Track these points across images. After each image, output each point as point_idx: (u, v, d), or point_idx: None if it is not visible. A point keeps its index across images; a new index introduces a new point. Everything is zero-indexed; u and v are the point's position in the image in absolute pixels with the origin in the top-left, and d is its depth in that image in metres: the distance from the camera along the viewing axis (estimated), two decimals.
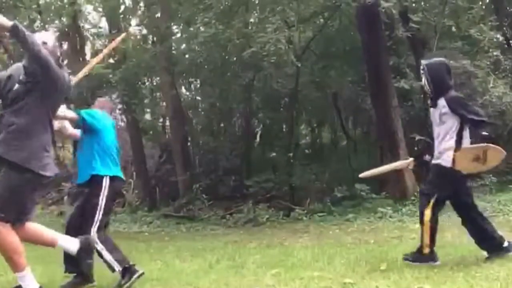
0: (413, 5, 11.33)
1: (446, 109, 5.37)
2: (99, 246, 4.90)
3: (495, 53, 12.32)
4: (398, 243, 7.88)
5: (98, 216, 4.97)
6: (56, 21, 20.18)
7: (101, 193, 4.99)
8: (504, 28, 14.81)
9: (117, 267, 4.88)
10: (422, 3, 12.67)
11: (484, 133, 5.33)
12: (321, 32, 14.39)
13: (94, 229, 4.96)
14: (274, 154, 14.58)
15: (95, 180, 5.01)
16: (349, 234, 9.20)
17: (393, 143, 11.26)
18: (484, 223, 5.57)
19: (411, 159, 5.92)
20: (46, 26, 20.05)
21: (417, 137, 12.09)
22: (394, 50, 13.49)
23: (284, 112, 15.99)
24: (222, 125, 16.71)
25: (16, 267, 4.34)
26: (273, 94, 15.37)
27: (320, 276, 5.23)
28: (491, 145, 5.26)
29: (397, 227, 9.51)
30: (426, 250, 5.38)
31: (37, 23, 19.95)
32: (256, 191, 13.39)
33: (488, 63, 12.32)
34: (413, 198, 10.91)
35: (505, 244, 5.45)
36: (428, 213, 5.35)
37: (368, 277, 5.04)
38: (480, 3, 14.57)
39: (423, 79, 5.61)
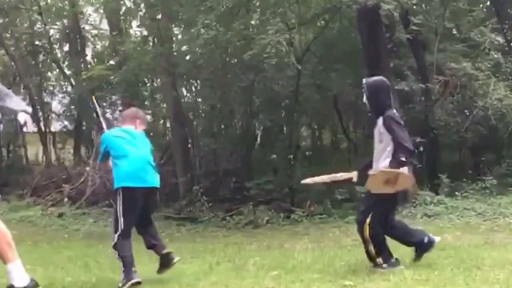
0: (414, 7, 11.31)
1: (383, 129, 5.47)
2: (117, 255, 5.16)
3: (495, 56, 12.34)
4: (398, 245, 7.86)
5: (120, 224, 5.15)
6: (57, 23, 20.21)
7: (118, 204, 5.21)
8: (505, 31, 14.82)
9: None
10: (423, 5, 12.66)
11: (402, 158, 5.35)
12: (321, 34, 14.39)
13: (116, 236, 5.19)
14: (274, 156, 14.57)
15: (114, 193, 5.37)
16: (349, 236, 9.18)
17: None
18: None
19: (355, 172, 5.82)
20: (47, 27, 20.09)
21: (418, 139, 12.09)
22: (395, 53, 13.49)
23: (284, 114, 15.99)
24: (222, 126, 16.70)
25: None
26: (273, 96, 15.37)
27: (320, 278, 5.23)
28: (403, 171, 5.34)
29: None
30: (378, 261, 5.39)
31: (38, 24, 19.99)
32: (256, 193, 13.38)
33: (489, 65, 12.33)
34: (413, 200, 10.90)
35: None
36: (366, 228, 5.37)
37: (368, 279, 5.04)
38: (481, 5, 14.57)
39: (364, 97, 5.64)
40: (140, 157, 5.29)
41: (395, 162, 5.36)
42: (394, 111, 5.51)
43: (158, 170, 5.53)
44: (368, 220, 5.38)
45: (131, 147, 5.30)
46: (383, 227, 5.43)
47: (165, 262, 5.43)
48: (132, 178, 5.18)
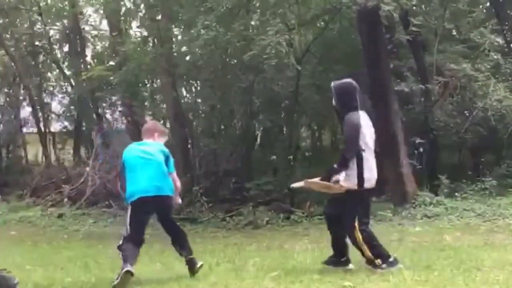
0: (414, 8, 11.32)
1: None
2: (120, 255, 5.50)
3: (495, 57, 12.34)
4: (398, 246, 7.87)
5: (127, 230, 5.59)
6: (57, 23, 20.20)
7: (127, 214, 5.67)
8: (505, 32, 14.82)
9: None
10: (423, 7, 12.66)
11: (335, 166, 5.51)
12: (321, 35, 14.39)
13: (122, 239, 5.61)
14: (274, 156, 14.57)
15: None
16: None
17: (393, 146, 11.24)
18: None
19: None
20: (47, 28, 20.09)
21: (418, 140, 12.10)
22: (395, 53, 13.49)
23: (284, 115, 15.99)
24: (222, 127, 16.69)
25: None
26: (273, 96, 15.36)
27: (320, 279, 5.24)
28: (332, 184, 5.48)
29: (396, 230, 9.51)
30: (377, 262, 5.43)
31: (38, 25, 19.99)
32: (256, 194, 13.38)
33: (489, 66, 12.34)
34: (413, 201, 10.90)
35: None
36: (358, 235, 5.44)
37: (367, 280, 5.04)
38: (481, 6, 14.57)
39: (333, 99, 5.75)
40: (145, 171, 5.57)
41: (331, 169, 5.54)
42: (360, 113, 5.52)
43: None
44: (356, 226, 5.45)
45: (139, 163, 5.63)
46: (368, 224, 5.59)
47: (190, 266, 5.68)
48: (136, 192, 5.54)
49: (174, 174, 5.83)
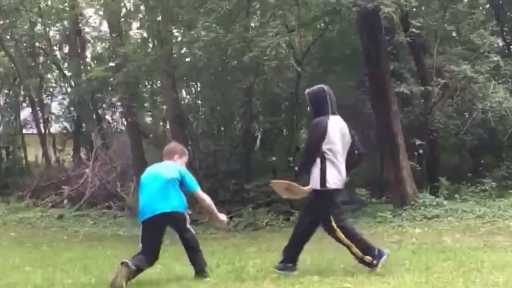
0: (414, 10, 11.33)
1: None
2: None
3: (495, 58, 12.35)
4: (398, 247, 7.88)
5: (140, 246, 5.68)
6: (57, 24, 20.20)
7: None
8: (505, 34, 14.85)
9: None
10: (423, 8, 12.67)
11: (296, 169, 5.93)
12: (321, 37, 14.40)
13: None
14: (274, 158, 14.56)
15: None
16: None
17: (393, 148, 11.25)
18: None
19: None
20: (47, 29, 20.09)
21: (417, 142, 12.11)
22: (395, 55, 13.51)
23: (284, 116, 15.99)
24: (222, 128, 16.69)
25: None
26: (273, 98, 15.36)
27: (320, 280, 5.24)
28: (293, 183, 5.83)
29: (396, 232, 9.52)
30: (367, 259, 5.51)
31: (38, 26, 19.99)
32: (256, 195, 13.36)
33: (489, 68, 12.35)
34: (413, 203, 10.90)
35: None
36: (340, 234, 5.58)
37: (367, 282, 5.04)
38: (481, 8, 14.59)
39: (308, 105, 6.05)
40: (150, 191, 5.72)
41: (294, 172, 5.92)
42: (330, 118, 5.70)
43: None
44: (334, 225, 5.58)
45: (147, 183, 5.81)
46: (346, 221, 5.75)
47: (197, 275, 5.71)
48: (143, 213, 5.71)
49: (198, 192, 5.94)
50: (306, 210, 5.92)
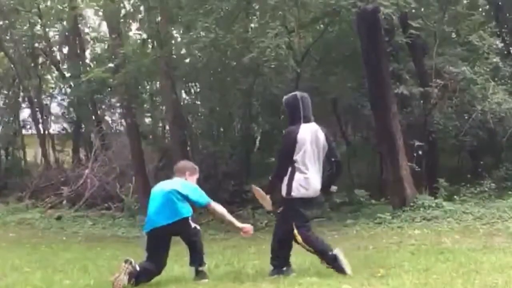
0: (413, 11, 11.33)
1: None
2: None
3: (494, 60, 12.34)
4: (397, 249, 7.88)
5: (146, 254, 5.72)
6: (57, 25, 20.20)
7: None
8: (504, 35, 14.84)
9: None
10: (422, 9, 12.67)
11: (269, 178, 6.03)
12: (321, 38, 14.41)
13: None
14: (273, 159, 14.56)
15: None
16: (348, 240, 9.20)
17: (392, 149, 11.25)
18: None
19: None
20: (47, 30, 20.09)
21: (417, 143, 12.10)
22: (394, 56, 13.51)
23: (283, 117, 15.98)
24: (221, 129, 16.70)
25: None
26: (272, 99, 15.36)
27: (319, 282, 5.23)
28: (265, 195, 5.96)
29: (396, 233, 9.51)
30: (326, 258, 5.63)
31: (38, 27, 19.99)
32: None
33: (488, 69, 12.34)
34: (412, 204, 10.90)
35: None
36: (297, 238, 5.67)
37: (366, 283, 5.04)
38: (480, 9, 14.59)
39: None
40: (152, 204, 5.78)
41: (269, 181, 6.05)
42: (300, 126, 5.75)
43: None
44: (296, 233, 5.65)
45: (153, 196, 5.84)
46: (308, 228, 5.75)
47: (196, 277, 5.74)
48: (146, 225, 5.79)
49: (211, 204, 5.93)
50: (279, 219, 5.94)
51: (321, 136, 5.77)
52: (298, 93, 6.00)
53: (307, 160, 5.64)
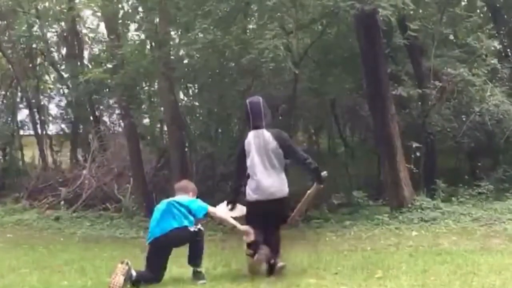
0: (411, 13, 11.34)
1: None
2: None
3: (492, 62, 12.37)
4: (395, 250, 7.89)
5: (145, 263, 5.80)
6: (55, 26, 20.18)
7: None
8: (502, 37, 14.87)
9: None
10: (420, 11, 12.69)
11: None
12: (319, 39, 14.40)
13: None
14: None
15: None
16: (346, 241, 9.21)
17: (390, 150, 11.26)
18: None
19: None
20: (45, 30, 20.06)
21: (414, 145, 12.11)
22: (392, 58, 13.52)
23: (281, 119, 15.99)
24: (219, 130, 16.67)
25: None
26: (270, 100, 15.31)
27: (317, 283, 5.24)
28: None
29: (393, 234, 9.52)
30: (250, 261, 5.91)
31: (36, 27, 19.96)
32: None
33: (486, 71, 12.36)
34: (410, 205, 10.90)
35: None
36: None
37: (364, 284, 5.05)
38: (478, 11, 14.62)
39: None
40: (154, 216, 5.93)
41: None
42: (248, 134, 6.03)
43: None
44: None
45: (156, 210, 5.98)
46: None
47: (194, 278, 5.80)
48: (149, 236, 5.90)
49: (209, 210, 6.06)
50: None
51: (271, 140, 5.94)
52: (248, 99, 6.25)
53: (256, 166, 5.88)
